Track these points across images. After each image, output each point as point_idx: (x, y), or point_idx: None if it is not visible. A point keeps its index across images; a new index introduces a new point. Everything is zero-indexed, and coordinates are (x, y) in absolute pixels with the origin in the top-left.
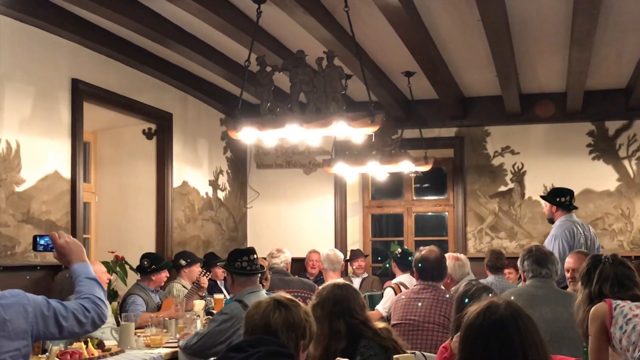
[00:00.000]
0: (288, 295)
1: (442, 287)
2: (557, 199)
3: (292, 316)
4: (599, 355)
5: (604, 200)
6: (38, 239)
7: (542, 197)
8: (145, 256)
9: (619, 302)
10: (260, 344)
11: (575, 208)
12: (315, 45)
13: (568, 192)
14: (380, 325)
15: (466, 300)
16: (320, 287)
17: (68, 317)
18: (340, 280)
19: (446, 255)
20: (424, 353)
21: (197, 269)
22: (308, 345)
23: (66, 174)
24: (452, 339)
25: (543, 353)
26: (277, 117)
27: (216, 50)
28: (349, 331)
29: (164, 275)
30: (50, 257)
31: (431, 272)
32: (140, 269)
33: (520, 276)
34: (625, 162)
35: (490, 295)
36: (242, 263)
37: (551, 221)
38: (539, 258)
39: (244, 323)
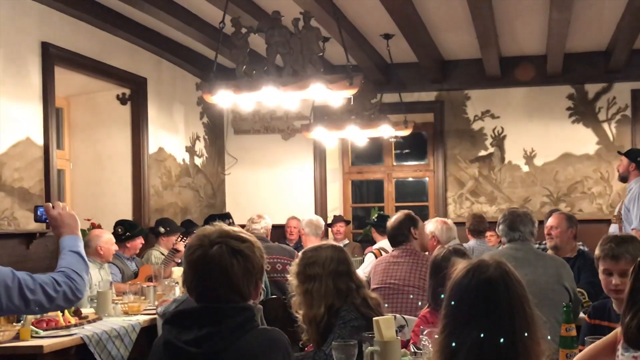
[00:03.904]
0: (235, 231)
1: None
2: (639, 158)
3: (251, 264)
4: (596, 350)
5: (583, 163)
6: (37, 209)
7: (620, 152)
8: (119, 223)
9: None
10: (224, 313)
11: None
12: (291, 6)
13: None
14: (373, 295)
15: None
16: (312, 246)
17: (35, 290)
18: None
19: (434, 219)
20: (404, 316)
21: (175, 237)
22: None
23: (39, 140)
24: (429, 305)
25: (530, 316)
26: (253, 80)
27: (190, 12)
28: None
29: (139, 242)
30: (24, 225)
31: (394, 238)
32: (114, 237)
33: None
34: (605, 125)
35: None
36: None
37: (624, 179)
38: (510, 222)
39: (188, 265)
